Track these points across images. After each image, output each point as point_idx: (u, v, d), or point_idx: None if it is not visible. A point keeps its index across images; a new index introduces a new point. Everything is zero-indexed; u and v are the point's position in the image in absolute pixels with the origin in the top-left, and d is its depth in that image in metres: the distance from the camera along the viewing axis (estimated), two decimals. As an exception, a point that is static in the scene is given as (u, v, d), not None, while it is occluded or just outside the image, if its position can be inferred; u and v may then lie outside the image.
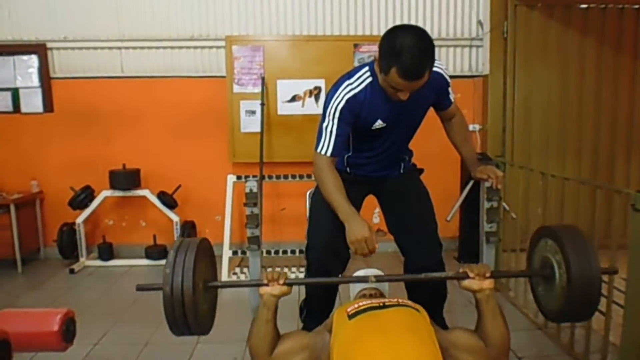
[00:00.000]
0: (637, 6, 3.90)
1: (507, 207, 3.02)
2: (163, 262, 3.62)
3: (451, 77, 1.93)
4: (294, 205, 4.03)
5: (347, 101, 1.74)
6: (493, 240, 2.13)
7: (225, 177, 3.76)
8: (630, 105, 4.02)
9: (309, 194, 2.16)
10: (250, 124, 3.87)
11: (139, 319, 2.79)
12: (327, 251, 1.93)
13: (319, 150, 1.80)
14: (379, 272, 2.10)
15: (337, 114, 1.76)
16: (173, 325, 1.48)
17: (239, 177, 3.72)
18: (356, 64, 3.81)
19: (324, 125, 1.79)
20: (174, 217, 3.84)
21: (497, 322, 1.54)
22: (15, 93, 3.95)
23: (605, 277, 1.74)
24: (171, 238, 3.88)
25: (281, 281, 1.61)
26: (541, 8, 3.84)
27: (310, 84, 3.86)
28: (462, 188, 3.46)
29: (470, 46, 4.06)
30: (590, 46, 3.92)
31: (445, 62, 4.03)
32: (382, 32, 1.65)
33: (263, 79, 3.79)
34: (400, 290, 2.17)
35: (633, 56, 3.97)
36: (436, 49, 1.64)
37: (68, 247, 3.86)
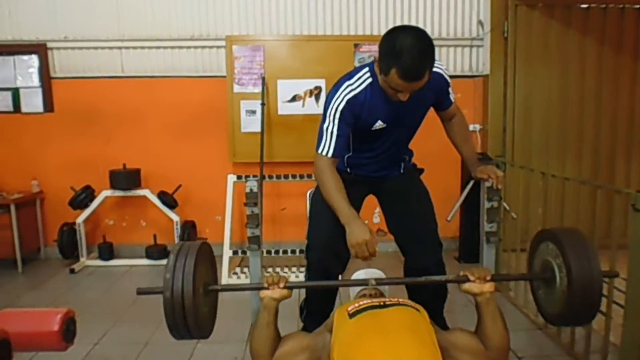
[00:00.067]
0: (637, 6, 3.89)
1: (507, 207, 3.02)
2: (163, 262, 3.63)
3: (451, 77, 1.93)
4: (294, 205, 4.03)
5: (347, 102, 1.75)
6: (493, 240, 2.14)
7: (225, 176, 3.76)
8: (631, 105, 4.02)
9: (309, 193, 2.17)
10: (251, 124, 3.87)
11: (139, 319, 2.79)
12: (328, 251, 1.93)
13: (320, 151, 1.80)
14: (379, 272, 2.10)
15: (337, 115, 1.76)
16: (173, 329, 1.49)
17: (239, 177, 3.72)
18: (356, 64, 3.81)
19: (325, 126, 1.79)
20: (174, 217, 3.84)
21: (497, 324, 1.54)
22: (15, 93, 3.95)
23: (605, 278, 1.73)
24: (171, 238, 3.88)
25: (281, 285, 1.61)
26: (542, 8, 3.84)
27: (311, 83, 3.86)
28: (463, 188, 3.46)
29: (471, 46, 4.06)
30: (591, 46, 3.92)
31: (446, 62, 4.03)
32: (383, 32, 1.65)
33: (263, 78, 3.79)
34: (401, 289, 2.17)
35: (633, 56, 3.97)
36: (436, 49, 1.64)
37: (68, 246, 3.86)
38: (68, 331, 1.11)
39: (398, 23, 3.96)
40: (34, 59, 3.92)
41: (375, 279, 1.67)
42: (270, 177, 3.66)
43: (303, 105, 3.88)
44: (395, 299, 1.63)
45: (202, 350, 2.43)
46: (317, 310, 2.11)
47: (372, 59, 1.73)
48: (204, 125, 4.00)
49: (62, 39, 3.92)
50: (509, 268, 3.13)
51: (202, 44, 3.95)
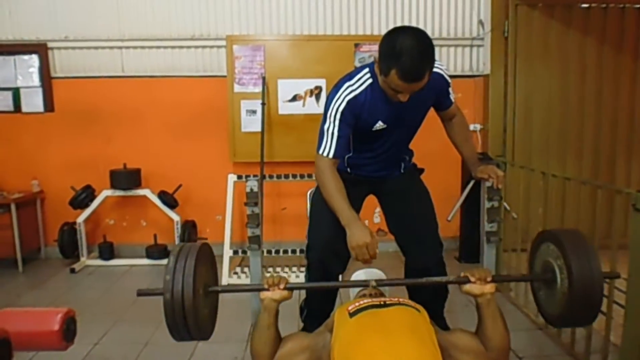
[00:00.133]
0: (638, 6, 3.89)
1: (507, 207, 3.02)
2: (164, 261, 3.64)
3: (452, 76, 1.93)
4: (294, 205, 4.03)
5: (347, 103, 1.75)
6: (494, 240, 2.13)
7: (226, 176, 3.76)
8: (631, 105, 4.01)
9: (310, 193, 2.17)
10: (251, 124, 3.87)
11: (140, 319, 2.79)
12: (328, 251, 1.93)
13: (320, 152, 1.80)
14: (379, 272, 2.10)
15: (338, 116, 1.76)
16: (174, 330, 1.49)
17: (239, 177, 3.72)
18: (357, 64, 3.81)
19: (325, 127, 1.79)
20: (175, 217, 3.84)
21: (498, 325, 1.54)
22: (16, 93, 3.95)
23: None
24: (172, 237, 3.88)
25: (282, 286, 1.61)
26: (542, 8, 3.84)
27: (311, 83, 3.86)
28: (463, 188, 3.46)
29: (471, 46, 4.05)
30: (591, 46, 3.92)
31: (446, 61, 4.03)
32: (383, 32, 1.65)
33: (264, 78, 3.79)
34: (401, 289, 2.17)
35: (634, 56, 3.96)
36: (437, 49, 1.64)
37: (69, 246, 3.87)
38: (68, 331, 1.10)
39: (398, 23, 3.97)
40: (34, 59, 3.92)
41: (376, 280, 1.67)
42: (271, 176, 3.67)
43: (303, 105, 3.88)
44: (396, 299, 1.63)
45: (203, 350, 2.43)
46: (317, 310, 2.11)
47: (372, 58, 1.73)
48: (205, 125, 4.00)
49: (63, 38, 3.92)
50: (510, 268, 3.13)
51: (203, 43, 3.95)
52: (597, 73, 3.95)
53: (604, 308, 1.79)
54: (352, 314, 1.55)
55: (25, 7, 3.88)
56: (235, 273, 3.58)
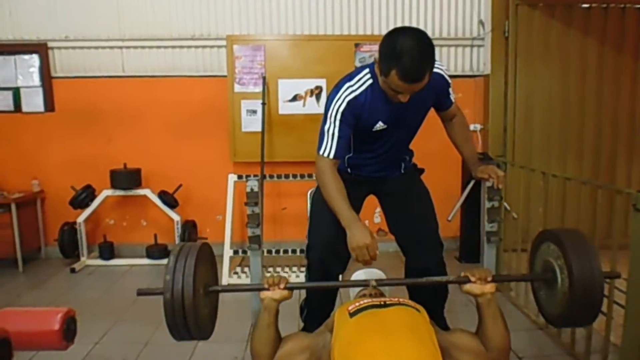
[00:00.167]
0: (638, 6, 3.89)
1: (508, 207, 3.02)
2: (164, 261, 3.63)
3: (452, 76, 1.93)
4: (294, 205, 4.03)
5: (348, 103, 1.75)
6: (494, 240, 2.13)
7: (226, 176, 3.76)
8: (632, 105, 4.01)
9: (310, 193, 2.17)
10: (251, 124, 3.86)
11: (140, 319, 2.79)
12: (328, 251, 1.93)
13: (321, 152, 1.80)
14: (379, 272, 2.10)
15: (338, 116, 1.76)
16: (174, 330, 1.49)
17: (239, 177, 3.73)
18: (357, 64, 3.81)
19: (326, 127, 1.79)
20: (175, 217, 3.84)
21: (498, 325, 1.54)
22: (16, 92, 3.95)
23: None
24: (172, 237, 3.88)
25: (282, 285, 1.61)
26: (542, 7, 3.84)
27: (312, 83, 3.86)
28: (463, 188, 3.46)
29: (472, 46, 4.05)
30: (592, 46, 3.91)
31: (447, 61, 4.03)
32: (383, 32, 1.65)
33: (264, 78, 3.79)
34: (401, 289, 2.17)
35: (634, 56, 3.96)
36: (437, 49, 1.64)
37: (69, 246, 3.87)
38: (68, 330, 1.10)
39: (399, 23, 3.97)
40: (34, 59, 3.92)
41: (376, 280, 1.67)
42: (271, 176, 3.67)
43: (304, 104, 3.88)
44: (396, 299, 1.63)
45: (203, 350, 2.43)
46: (317, 309, 2.11)
47: (372, 58, 1.73)
48: (205, 124, 4.00)
49: (63, 38, 3.92)
50: (510, 268, 3.13)
51: (203, 43, 3.95)
52: (597, 73, 3.95)
53: (604, 308, 1.80)
54: (352, 314, 1.55)
55: (26, 7, 3.88)
56: (236, 273, 3.58)
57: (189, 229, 3.92)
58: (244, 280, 3.47)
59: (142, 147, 4.01)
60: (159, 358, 2.40)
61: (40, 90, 3.95)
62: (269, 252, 3.55)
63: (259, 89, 3.79)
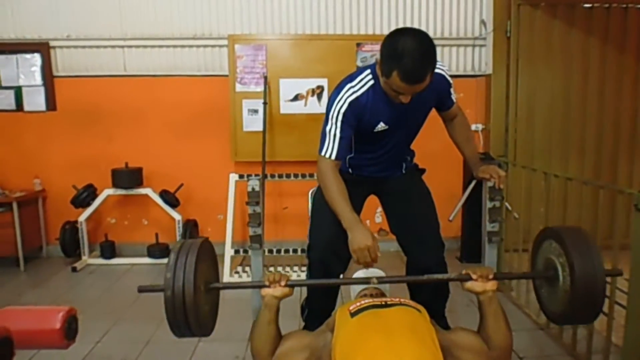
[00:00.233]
0: (640, 6, 3.89)
1: (509, 207, 3.02)
2: (165, 260, 3.62)
3: (454, 76, 1.93)
4: (296, 204, 4.03)
5: (349, 104, 1.75)
6: (495, 240, 2.13)
7: (227, 175, 3.76)
8: (634, 105, 4.01)
9: (311, 193, 2.17)
10: (253, 123, 3.87)
11: (141, 317, 2.80)
12: (329, 251, 1.93)
13: (322, 153, 1.80)
14: (380, 272, 2.10)
15: (340, 117, 1.76)
16: (174, 327, 1.49)
17: (241, 176, 3.73)
18: (359, 63, 3.81)
19: (327, 128, 1.79)
20: (176, 216, 3.84)
21: (500, 324, 1.54)
22: (18, 91, 3.96)
23: (607, 278, 1.73)
24: (173, 236, 3.88)
25: (283, 283, 1.61)
26: (544, 7, 3.83)
27: (313, 83, 3.86)
28: (465, 188, 3.44)
29: (473, 46, 4.05)
30: (594, 46, 3.91)
31: (448, 61, 4.02)
32: (385, 32, 1.65)
33: (265, 77, 3.79)
34: (402, 289, 2.17)
35: (637, 56, 3.95)
36: (439, 49, 1.64)
37: (70, 245, 3.87)
38: (70, 329, 1.11)
39: (400, 22, 3.97)
40: (36, 58, 3.92)
41: (377, 278, 1.67)
42: (272, 176, 3.67)
43: (305, 104, 3.88)
44: (397, 299, 1.63)
45: (204, 349, 2.43)
46: (318, 309, 2.11)
47: (374, 58, 1.73)
48: (206, 124, 4.00)
49: (65, 37, 3.92)
50: (511, 268, 3.12)
51: (205, 43, 3.95)
52: (599, 73, 3.94)
53: (605, 308, 1.79)
54: (353, 314, 1.55)
55: (28, 6, 3.88)
56: (237, 272, 3.58)
57: (190, 228, 3.92)
58: (245, 279, 3.47)
59: (143, 146, 4.02)
60: (160, 357, 2.40)
61: (42, 90, 3.95)
62: (270, 251, 3.55)
63: (260, 88, 3.79)
